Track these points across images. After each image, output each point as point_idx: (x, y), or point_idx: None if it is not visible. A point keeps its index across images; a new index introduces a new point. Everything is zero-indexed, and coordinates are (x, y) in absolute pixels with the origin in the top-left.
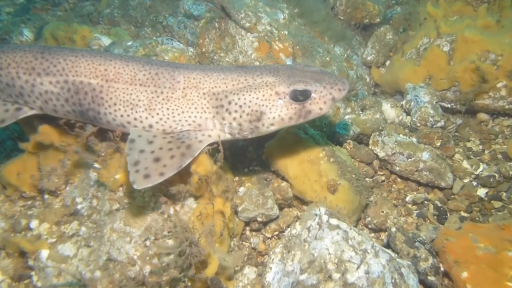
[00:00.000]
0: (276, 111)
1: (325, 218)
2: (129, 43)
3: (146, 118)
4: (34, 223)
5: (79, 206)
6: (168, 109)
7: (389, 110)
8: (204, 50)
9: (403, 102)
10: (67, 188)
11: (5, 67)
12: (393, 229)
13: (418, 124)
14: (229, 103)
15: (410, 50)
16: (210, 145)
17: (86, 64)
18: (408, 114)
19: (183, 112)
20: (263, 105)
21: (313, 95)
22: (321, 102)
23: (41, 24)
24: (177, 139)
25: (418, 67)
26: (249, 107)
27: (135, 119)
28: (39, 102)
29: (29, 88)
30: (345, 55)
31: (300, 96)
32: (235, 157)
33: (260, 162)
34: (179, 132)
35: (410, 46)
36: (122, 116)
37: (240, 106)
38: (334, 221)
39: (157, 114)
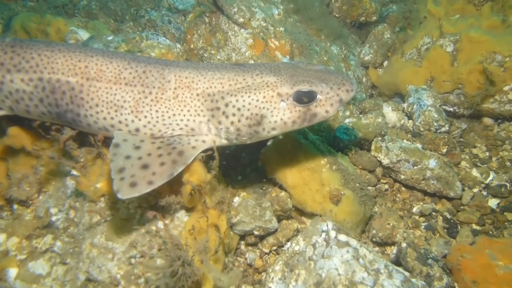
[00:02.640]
0: (278, 114)
1: (332, 234)
2: (109, 38)
3: (133, 121)
4: (1, 238)
5: (53, 218)
6: (157, 111)
7: (390, 113)
8: (192, 46)
9: (405, 105)
10: (40, 197)
11: None
12: (404, 245)
13: (422, 129)
14: (226, 105)
15: (410, 50)
16: (204, 151)
17: (64, 60)
18: (409, 118)
19: (174, 115)
20: (263, 107)
21: (318, 96)
22: (327, 105)
23: (9, 15)
24: (168, 145)
25: (419, 68)
26: (248, 110)
27: (120, 122)
28: (9, 102)
29: None
30: (342, 55)
31: (305, 98)
32: (227, 163)
33: (254, 169)
34: (169, 137)
35: (410, 46)
36: (105, 118)
37: (239, 109)
38: (342, 238)
39: (145, 117)
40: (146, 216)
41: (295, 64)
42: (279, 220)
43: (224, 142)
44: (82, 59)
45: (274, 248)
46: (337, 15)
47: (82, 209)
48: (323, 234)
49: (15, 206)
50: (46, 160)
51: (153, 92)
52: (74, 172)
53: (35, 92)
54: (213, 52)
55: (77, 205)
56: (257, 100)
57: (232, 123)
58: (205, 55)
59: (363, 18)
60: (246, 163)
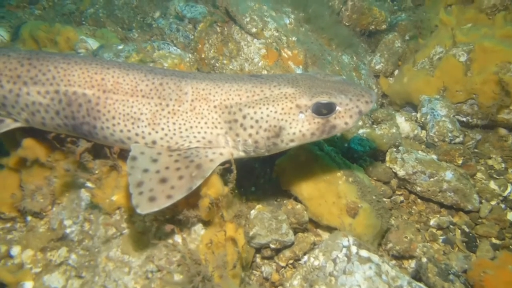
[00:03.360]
0: (297, 126)
1: (354, 249)
2: (120, 47)
3: (149, 133)
4: (15, 250)
5: (68, 230)
6: (174, 123)
7: (403, 123)
8: (203, 56)
9: (418, 115)
10: (54, 209)
11: None
12: (424, 260)
13: (436, 140)
14: (244, 117)
15: (422, 59)
16: (221, 164)
17: (80, 73)
18: (423, 128)
19: (191, 127)
20: (282, 119)
21: (338, 108)
22: (346, 116)
23: (17, 23)
24: (185, 158)
25: (431, 78)
26: (266, 122)
27: (137, 134)
28: (25, 114)
29: (13, 98)
30: (353, 64)
31: (324, 110)
32: (240, 174)
33: (268, 180)
34: (186, 150)
35: (422, 55)
36: (121, 131)
37: (257, 121)
38: (364, 253)
39: (162, 129)
40: (162, 230)
41: (312, 75)
42: (295, 232)
43: (241, 154)
44: (99, 72)
45: (291, 261)
46: (346, 23)
47: (97, 222)
48: (344, 250)
49: (29, 218)
50: (61, 172)
51: (170, 104)
52: (88, 184)
53: (52, 105)
54: (225, 62)
55: (91, 218)
56: (276, 112)
57: (250, 135)
58: (217, 64)
59: (372, 27)
60: (259, 173)
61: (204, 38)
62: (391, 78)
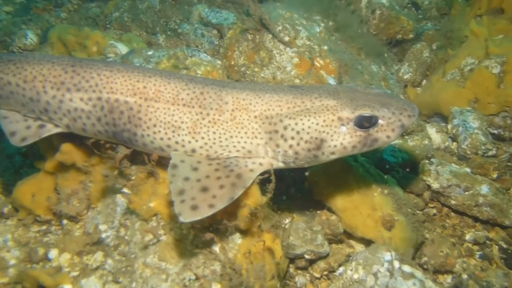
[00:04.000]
0: (339, 138)
1: (396, 264)
2: (149, 52)
3: (189, 142)
4: (53, 253)
5: (103, 235)
6: (214, 133)
7: (434, 135)
8: (233, 63)
9: (449, 127)
10: (89, 213)
11: (30, 80)
12: (465, 276)
13: (468, 152)
14: (285, 128)
15: (452, 70)
16: (261, 174)
17: (123, 80)
18: (454, 140)
19: (231, 136)
20: (323, 131)
21: (380, 121)
22: (389, 130)
23: (45, 26)
24: (225, 167)
25: (462, 89)
26: (308, 133)
27: (177, 142)
28: (66, 120)
29: (56, 104)
30: (381, 73)
31: (366, 123)
32: (266, 181)
33: (299, 189)
34: (226, 159)
35: (452, 66)
36: (162, 139)
37: (298, 132)
38: (407, 269)
39: (202, 138)
40: (200, 237)
41: (353, 87)
42: (329, 243)
43: (280, 165)
44: (141, 80)
45: (325, 273)
46: (374, 32)
47: (133, 227)
48: (386, 264)
49: (65, 222)
50: (97, 177)
51: (211, 113)
52: (125, 190)
53: (93, 111)
54: (256, 69)
55: (127, 223)
56: (317, 124)
57: (290, 146)
58: (248, 72)
59: (399, 36)
60: (290, 182)
61: (234, 45)
62: (418, 88)
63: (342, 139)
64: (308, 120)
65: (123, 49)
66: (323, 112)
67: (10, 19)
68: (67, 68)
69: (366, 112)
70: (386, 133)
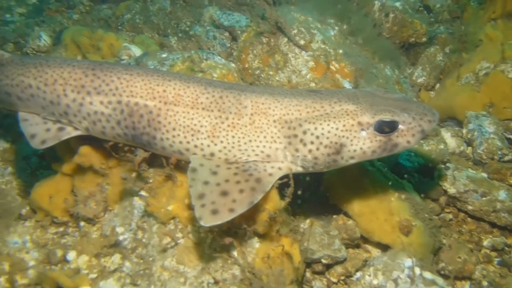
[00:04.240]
0: (358, 143)
1: (417, 270)
2: (164, 55)
3: (208, 145)
4: (71, 255)
5: (120, 237)
6: (233, 137)
7: (449, 139)
8: (247, 66)
9: (464, 131)
10: (106, 215)
11: (51, 83)
12: (485, 283)
13: (484, 157)
14: (304, 133)
15: (467, 74)
16: (279, 178)
17: (143, 84)
18: (469, 144)
19: (250, 141)
20: (343, 136)
21: (400, 126)
22: (409, 135)
23: (58, 28)
24: (244, 171)
25: (477, 94)
26: (327, 138)
27: (196, 146)
28: (86, 123)
29: (76, 107)
30: (395, 77)
31: (386, 128)
32: (284, 185)
33: (314, 193)
34: (244, 163)
35: (467, 70)
36: (181, 142)
37: (317, 137)
38: (428, 275)
39: (221, 142)
40: (217, 241)
41: (372, 92)
42: (345, 248)
43: (299, 169)
44: (161, 83)
45: (342, 278)
46: (386, 35)
47: (150, 230)
48: (407, 270)
49: (82, 224)
50: (114, 179)
51: (230, 117)
52: (143, 192)
53: (113, 115)
54: (271, 73)
55: (145, 226)
56: (337, 129)
57: (310, 151)
58: (262, 75)
59: (412, 39)
60: (305, 186)
61: (248, 48)
62: (432, 92)
63: (362, 144)
64: (328, 124)
65: (136, 51)
66: (343, 116)
67: (23, 20)
68: (88, 71)
69: (387, 117)
70: (406, 138)
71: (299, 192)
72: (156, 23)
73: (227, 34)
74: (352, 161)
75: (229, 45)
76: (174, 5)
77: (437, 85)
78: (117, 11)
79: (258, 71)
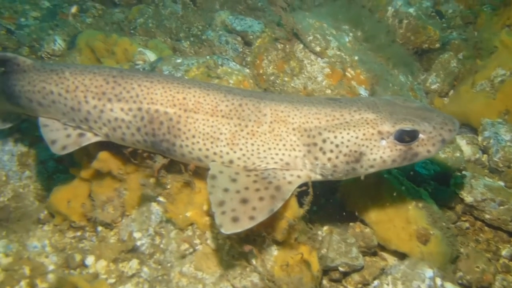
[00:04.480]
0: (378, 152)
1: (438, 281)
2: (178, 60)
3: (227, 153)
4: (90, 260)
5: (138, 243)
6: (252, 144)
7: (464, 147)
8: (261, 71)
9: (479, 139)
10: (123, 220)
11: (72, 90)
12: None
13: (501, 165)
14: (324, 141)
15: (482, 81)
16: (299, 187)
17: (163, 91)
18: (484, 152)
19: (269, 148)
20: (363, 145)
21: (421, 135)
22: (429, 144)
23: (72, 32)
24: (263, 179)
25: (493, 101)
26: (347, 147)
27: (215, 153)
28: (106, 129)
29: (97, 114)
30: (409, 83)
31: (407, 137)
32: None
33: (329, 200)
34: (263, 170)
35: (481, 77)
36: (200, 149)
37: (337, 146)
38: (449, 286)
39: (240, 149)
40: (235, 248)
41: (391, 100)
42: (362, 256)
43: (318, 177)
44: (181, 91)
45: (360, 286)
46: (400, 41)
47: (168, 236)
48: (428, 281)
49: (99, 228)
50: (131, 184)
51: (249, 125)
52: (161, 198)
53: (134, 122)
54: (286, 79)
55: (162, 231)
56: (357, 137)
57: (329, 159)
58: (277, 81)
59: (426, 45)
60: (320, 193)
61: (263, 54)
62: (445, 98)
63: (382, 153)
64: (348, 133)
65: (151, 56)
66: (363, 125)
67: (37, 24)
68: (109, 78)
69: (407, 126)
70: (426, 147)
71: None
72: (169, 27)
73: (239, 39)
74: (371, 170)
75: (241, 49)
76: (185, 9)
77: (451, 92)
78: (129, 15)
79: (272, 77)
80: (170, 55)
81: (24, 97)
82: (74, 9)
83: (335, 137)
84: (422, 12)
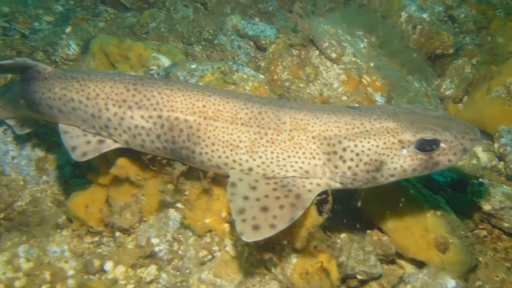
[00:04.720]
0: (399, 161)
1: None
2: (193, 66)
3: (247, 160)
4: (108, 265)
5: (156, 249)
6: (272, 152)
7: (480, 153)
8: (275, 77)
9: (495, 146)
10: (141, 226)
11: (93, 97)
12: None
13: None
14: (344, 149)
15: (497, 87)
16: (318, 195)
17: (183, 99)
18: (500, 159)
19: (289, 156)
20: (384, 154)
21: (442, 145)
22: (450, 153)
23: (85, 36)
24: (283, 187)
25: (509, 107)
26: (367, 155)
27: (234, 161)
28: (126, 136)
29: (117, 121)
30: (423, 89)
31: (427, 146)
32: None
33: (345, 206)
34: (282, 178)
35: (497, 83)
36: (219, 157)
37: (357, 154)
38: None
39: (260, 157)
40: (254, 255)
41: (411, 109)
42: (380, 263)
43: (338, 186)
44: (200, 99)
45: None
46: (413, 47)
47: (186, 242)
48: None
49: (117, 234)
50: (149, 190)
51: (269, 133)
52: (179, 205)
53: (154, 129)
54: (301, 85)
55: (180, 238)
56: (377, 146)
57: (349, 168)
58: (292, 87)
59: (439, 51)
60: (336, 199)
61: (278, 60)
62: (460, 104)
63: (402, 162)
64: (368, 142)
65: (165, 61)
66: (383, 134)
67: (51, 28)
68: (129, 86)
69: (428, 135)
70: (447, 157)
71: None
72: (180, 32)
73: (251, 43)
74: (392, 179)
75: (253, 54)
76: (196, 13)
77: (465, 98)
78: (141, 19)
79: (287, 83)
80: (184, 60)
81: (45, 104)
82: None
83: (356, 145)
84: (434, 17)
